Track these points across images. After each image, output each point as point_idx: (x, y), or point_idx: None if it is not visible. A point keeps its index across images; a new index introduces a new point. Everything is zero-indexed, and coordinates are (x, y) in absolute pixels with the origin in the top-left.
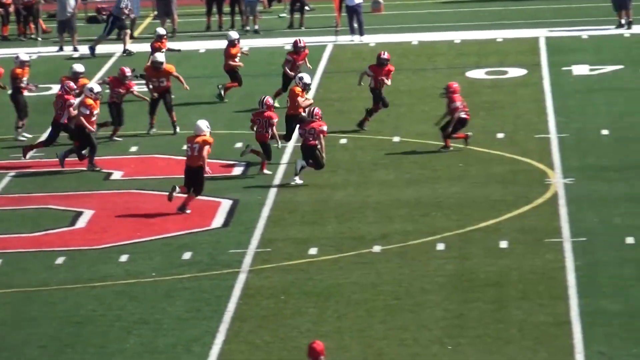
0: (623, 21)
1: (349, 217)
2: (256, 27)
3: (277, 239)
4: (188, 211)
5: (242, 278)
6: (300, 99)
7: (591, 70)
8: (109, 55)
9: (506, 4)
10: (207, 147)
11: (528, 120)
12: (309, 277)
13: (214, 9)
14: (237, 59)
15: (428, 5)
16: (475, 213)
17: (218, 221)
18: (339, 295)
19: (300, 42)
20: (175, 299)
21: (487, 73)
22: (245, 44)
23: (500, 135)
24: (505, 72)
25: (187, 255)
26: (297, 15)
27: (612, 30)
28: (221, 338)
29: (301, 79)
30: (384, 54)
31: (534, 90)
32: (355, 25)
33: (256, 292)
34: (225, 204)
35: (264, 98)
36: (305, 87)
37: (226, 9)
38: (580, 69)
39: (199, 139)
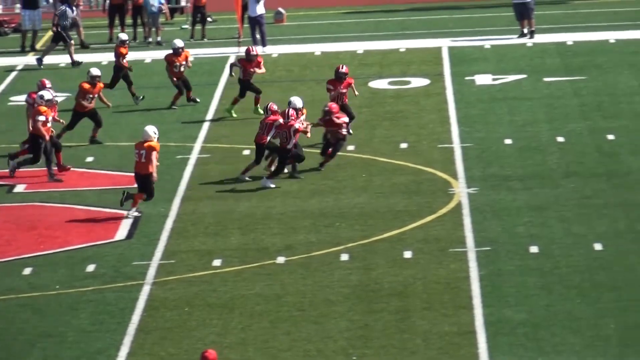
0: (525, 30)
1: (252, 229)
2: (159, 38)
3: (180, 250)
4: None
5: (146, 290)
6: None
7: (494, 79)
8: (10, 69)
9: (409, 14)
10: (154, 153)
11: (431, 130)
12: (213, 289)
13: (117, 21)
14: (180, 68)
15: (331, 15)
16: (379, 223)
17: (122, 233)
18: (243, 307)
19: (252, 50)
20: (79, 311)
21: (390, 83)
22: (148, 55)
23: (403, 145)
24: (408, 82)
25: (90, 268)
26: (198, 27)
27: (514, 40)
28: (125, 350)
29: (289, 103)
30: (342, 68)
31: (437, 100)
32: (258, 36)
33: (160, 304)
34: (129, 216)
35: (269, 104)
36: (296, 112)
37: (128, 20)
38: (483, 79)
39: (146, 145)
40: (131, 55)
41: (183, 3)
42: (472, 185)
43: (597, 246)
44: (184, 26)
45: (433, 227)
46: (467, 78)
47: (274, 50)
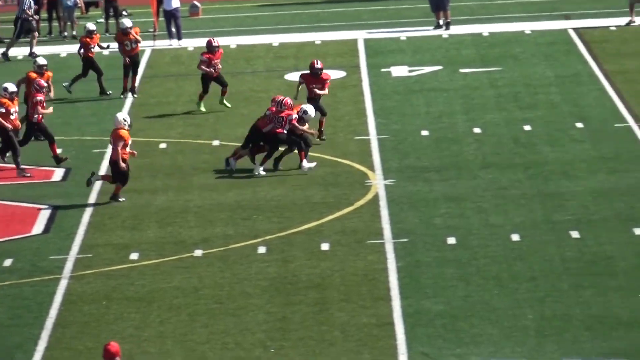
0: (441, 22)
1: (170, 222)
2: (74, 32)
3: (98, 244)
4: (121, 199)
5: (63, 284)
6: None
7: (410, 71)
8: None
9: (324, 7)
10: (120, 143)
11: (348, 122)
12: (130, 282)
13: None
14: (132, 45)
15: (246, 8)
16: (296, 215)
17: (38, 228)
18: (161, 300)
19: (214, 42)
20: None
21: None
22: (64, 50)
23: None
24: None
25: (7, 262)
26: (112, 21)
27: (430, 32)
28: (43, 345)
29: (305, 112)
30: (317, 63)
31: (353, 92)
32: (173, 29)
33: (78, 298)
34: (46, 210)
35: (284, 99)
36: (306, 120)
37: (44, 15)
38: (399, 70)
39: (114, 134)
40: (46, 50)
41: None
42: (389, 177)
43: (515, 237)
44: (99, 20)
45: (350, 219)
46: (383, 70)
47: (189, 43)
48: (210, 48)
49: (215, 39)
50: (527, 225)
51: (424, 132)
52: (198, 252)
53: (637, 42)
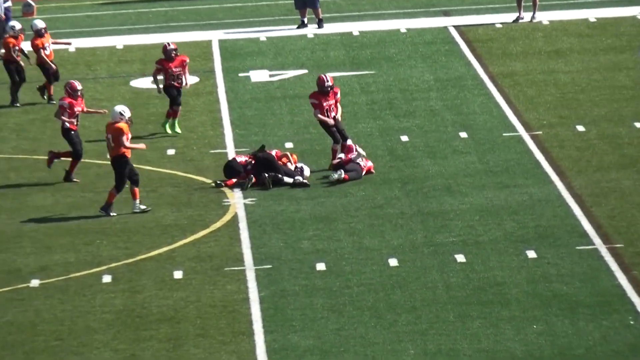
0: (306, 20)
1: (2, 248)
2: None
3: None
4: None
5: None
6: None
7: (271, 76)
8: None
9: (174, 4)
10: (123, 138)
11: (202, 133)
12: None
13: None
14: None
15: (85, 7)
16: (145, 240)
17: None
18: None
19: (169, 45)
20: None
21: (154, 82)
22: None
23: (170, 152)
24: None
25: None
26: None
27: (293, 31)
28: None
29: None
30: (328, 81)
31: (207, 100)
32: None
33: None
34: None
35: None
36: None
37: None
38: (259, 75)
39: (112, 129)
40: None
41: None
42: (249, 196)
43: (392, 261)
44: None
45: (206, 243)
46: (241, 74)
47: (22, 46)
48: (166, 53)
49: (170, 42)
50: (407, 249)
51: (288, 144)
52: (35, 282)
53: (526, 41)
